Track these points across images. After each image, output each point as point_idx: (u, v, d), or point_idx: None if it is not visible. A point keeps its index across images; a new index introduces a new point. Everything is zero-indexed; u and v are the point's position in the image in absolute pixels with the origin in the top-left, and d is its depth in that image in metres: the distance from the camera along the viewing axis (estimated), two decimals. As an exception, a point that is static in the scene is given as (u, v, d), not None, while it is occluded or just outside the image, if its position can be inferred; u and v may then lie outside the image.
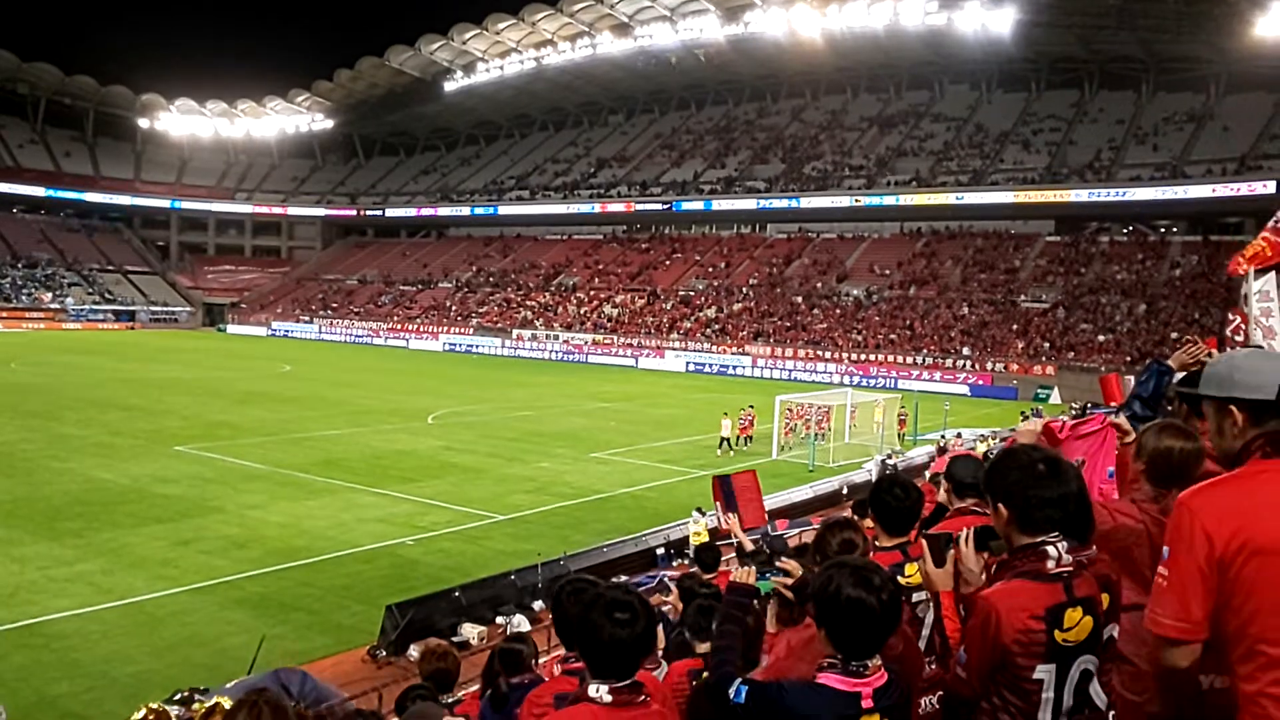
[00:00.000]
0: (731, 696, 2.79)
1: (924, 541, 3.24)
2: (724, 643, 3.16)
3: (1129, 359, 47.75)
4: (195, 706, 8.69)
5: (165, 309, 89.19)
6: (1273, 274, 6.87)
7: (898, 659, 3.27)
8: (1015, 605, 2.81)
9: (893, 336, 59.26)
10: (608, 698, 2.67)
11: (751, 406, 31.74)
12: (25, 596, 14.80)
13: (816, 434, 31.21)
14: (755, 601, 3.47)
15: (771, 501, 18.78)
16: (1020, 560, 2.92)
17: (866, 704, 2.68)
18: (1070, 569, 2.88)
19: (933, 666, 3.53)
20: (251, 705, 2.79)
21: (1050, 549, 2.87)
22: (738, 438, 30.39)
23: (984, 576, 3.11)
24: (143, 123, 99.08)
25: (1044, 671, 2.81)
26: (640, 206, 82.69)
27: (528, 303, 76.79)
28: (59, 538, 18.01)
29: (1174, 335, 45.67)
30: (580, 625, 2.78)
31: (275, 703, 2.84)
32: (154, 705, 8.48)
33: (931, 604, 3.27)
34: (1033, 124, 73.92)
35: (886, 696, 2.71)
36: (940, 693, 3.42)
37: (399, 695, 5.28)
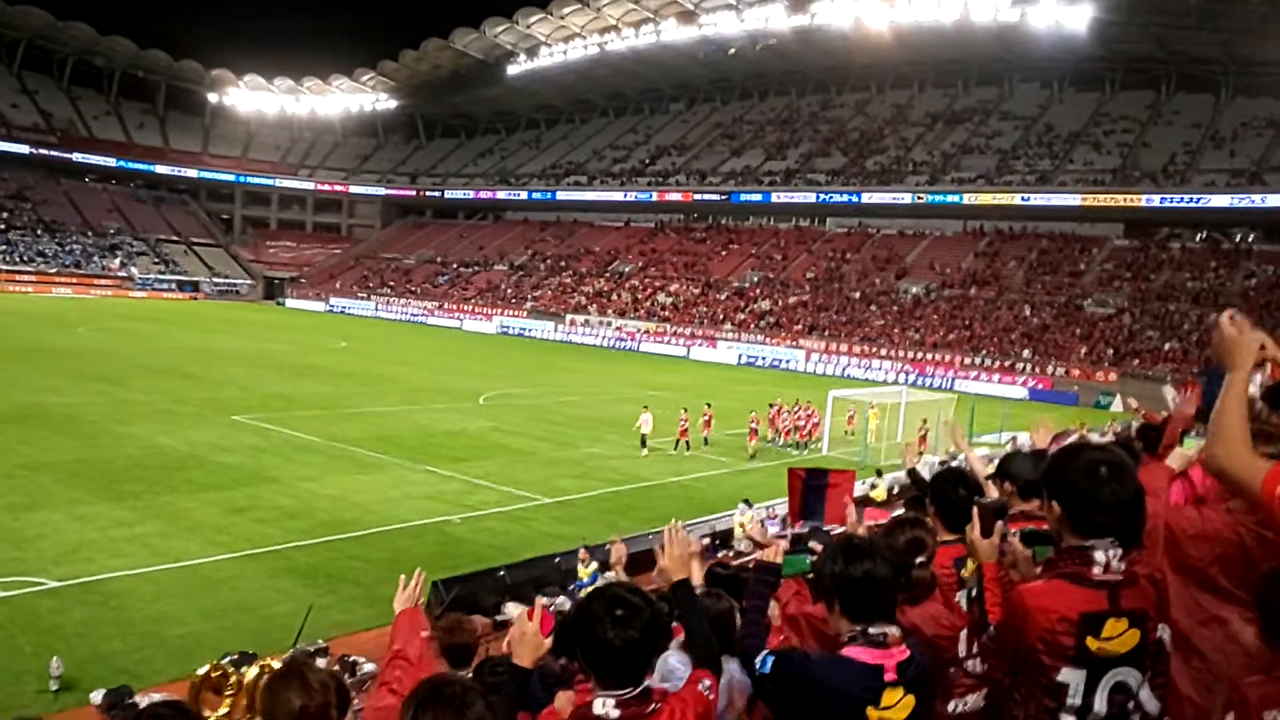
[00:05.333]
0: (757, 667, 2.86)
1: (975, 509, 3.26)
2: (751, 616, 3.26)
3: (1195, 369, 46.37)
4: (244, 670, 8.80)
5: (227, 281, 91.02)
6: None
7: (947, 662, 3.22)
8: (1045, 606, 2.76)
9: (951, 336, 58.27)
10: (615, 713, 2.46)
11: (709, 405, 29.96)
12: (86, 554, 15.20)
13: (800, 441, 29.96)
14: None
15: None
16: (1065, 561, 2.85)
17: (890, 676, 2.72)
18: (1120, 578, 2.76)
19: (970, 667, 3.45)
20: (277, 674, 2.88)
21: (1098, 554, 2.76)
22: (703, 438, 28.67)
23: (1037, 570, 3.08)
24: (212, 97, 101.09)
25: (1070, 676, 2.74)
26: (698, 196, 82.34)
27: (582, 288, 76.96)
28: (120, 499, 18.46)
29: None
30: (577, 621, 2.59)
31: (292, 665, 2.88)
32: (218, 663, 8.62)
33: (976, 575, 3.28)
34: (1105, 125, 71.96)
35: (909, 670, 2.75)
36: (973, 694, 3.41)
37: (475, 669, 5.17)
